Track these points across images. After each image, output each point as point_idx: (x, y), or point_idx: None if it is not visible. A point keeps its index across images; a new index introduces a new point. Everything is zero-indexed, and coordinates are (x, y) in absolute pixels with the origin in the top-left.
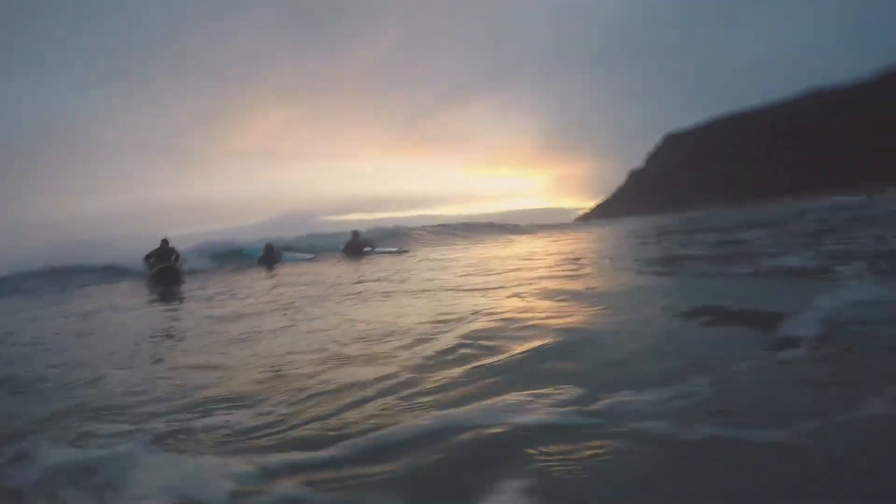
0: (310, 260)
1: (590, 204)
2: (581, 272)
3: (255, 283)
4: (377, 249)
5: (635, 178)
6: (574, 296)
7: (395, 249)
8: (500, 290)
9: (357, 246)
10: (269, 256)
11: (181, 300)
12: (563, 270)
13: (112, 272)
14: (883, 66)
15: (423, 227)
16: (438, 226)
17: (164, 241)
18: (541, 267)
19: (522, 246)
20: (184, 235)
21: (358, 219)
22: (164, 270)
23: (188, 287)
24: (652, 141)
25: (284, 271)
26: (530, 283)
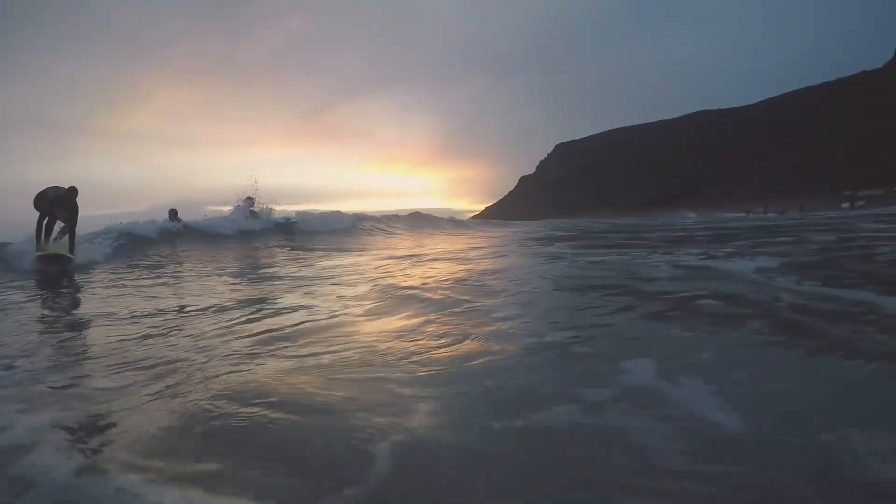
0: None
1: (480, 207)
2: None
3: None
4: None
5: (526, 183)
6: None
7: (282, 219)
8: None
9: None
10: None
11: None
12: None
13: None
14: (772, 94)
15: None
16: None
17: (72, 190)
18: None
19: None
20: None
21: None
22: (49, 258)
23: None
24: (544, 149)
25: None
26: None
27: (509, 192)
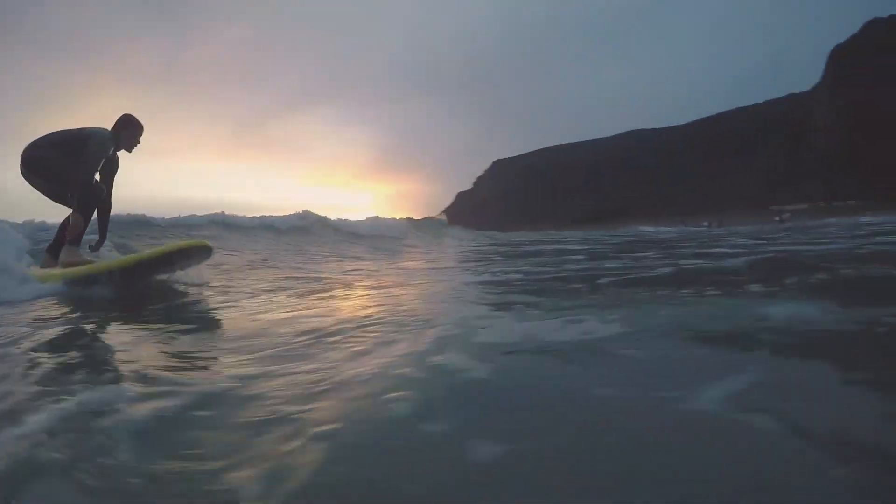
0: None
1: None
2: None
3: None
4: None
5: (463, 199)
6: None
7: None
8: None
9: None
10: None
11: None
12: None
13: None
14: (698, 117)
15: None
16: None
17: (127, 123)
18: None
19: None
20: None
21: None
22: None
23: None
24: (481, 166)
25: None
26: None
27: (445, 208)
